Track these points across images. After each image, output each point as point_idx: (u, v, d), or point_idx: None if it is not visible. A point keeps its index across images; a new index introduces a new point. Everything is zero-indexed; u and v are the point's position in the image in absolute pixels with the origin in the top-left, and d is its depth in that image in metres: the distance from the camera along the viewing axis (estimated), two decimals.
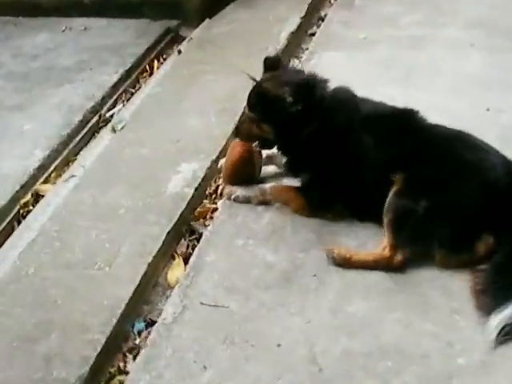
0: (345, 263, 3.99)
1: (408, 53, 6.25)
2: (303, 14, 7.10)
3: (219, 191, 4.92)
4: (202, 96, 5.82)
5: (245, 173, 4.66)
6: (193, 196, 4.77)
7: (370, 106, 4.28)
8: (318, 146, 4.16)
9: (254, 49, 6.30)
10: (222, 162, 4.93)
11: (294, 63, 6.39)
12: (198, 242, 4.41)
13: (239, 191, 4.61)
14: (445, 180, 3.87)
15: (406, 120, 4.20)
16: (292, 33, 6.74)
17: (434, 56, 6.06)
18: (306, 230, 4.31)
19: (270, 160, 4.85)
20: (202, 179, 4.93)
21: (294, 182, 4.49)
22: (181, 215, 4.59)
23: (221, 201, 4.77)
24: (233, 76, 5.69)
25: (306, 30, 7.04)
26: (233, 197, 4.62)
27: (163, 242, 4.35)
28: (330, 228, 4.31)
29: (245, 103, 4.27)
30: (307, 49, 6.71)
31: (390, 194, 3.96)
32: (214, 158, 5.11)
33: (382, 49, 6.35)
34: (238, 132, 4.49)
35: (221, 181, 4.92)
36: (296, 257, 4.10)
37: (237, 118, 5.28)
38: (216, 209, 4.76)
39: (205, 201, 4.91)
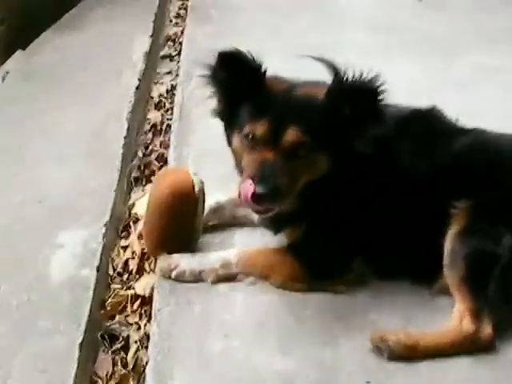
0: (408, 354, 2.57)
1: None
2: (150, 33, 5.54)
3: (132, 267, 3.26)
4: (53, 139, 4.20)
5: (185, 225, 3.03)
6: (97, 281, 3.01)
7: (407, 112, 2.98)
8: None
9: (105, 75, 5.01)
10: (139, 211, 3.35)
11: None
12: (127, 353, 2.85)
13: (183, 263, 2.95)
14: None
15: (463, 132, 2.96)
16: (146, 53, 5.16)
17: None
18: (312, 311, 2.82)
19: (215, 212, 3.22)
20: (102, 253, 3.21)
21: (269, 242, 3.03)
22: (90, 313, 2.86)
23: (147, 282, 3.16)
24: (88, 110, 4.44)
25: (156, 51, 5.46)
26: (174, 273, 2.94)
27: (78, 363, 2.63)
28: (348, 302, 2.86)
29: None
30: (169, 72, 5.25)
31: (452, 235, 2.71)
32: (107, 219, 3.44)
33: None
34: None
35: (137, 249, 3.23)
36: (320, 357, 2.59)
37: (116, 163, 3.88)
38: (138, 296, 3.11)
39: (114, 285, 3.21)
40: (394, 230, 2.82)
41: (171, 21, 6.43)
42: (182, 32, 5.92)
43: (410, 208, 2.78)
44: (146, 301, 3.07)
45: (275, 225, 2.93)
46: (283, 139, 2.61)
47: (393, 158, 2.80)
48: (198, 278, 2.92)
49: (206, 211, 3.14)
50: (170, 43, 5.92)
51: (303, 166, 2.65)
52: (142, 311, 3.04)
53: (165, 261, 2.93)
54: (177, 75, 5.13)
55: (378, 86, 2.60)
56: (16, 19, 5.50)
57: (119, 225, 3.58)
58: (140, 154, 4.22)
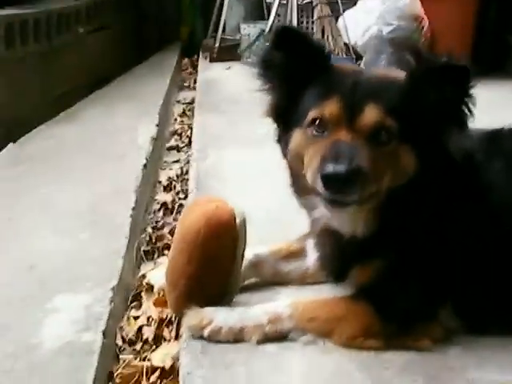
0: None
1: None
2: (156, 122, 5.06)
3: (147, 335, 2.56)
4: (48, 212, 3.59)
5: (221, 268, 2.35)
6: (103, 346, 2.34)
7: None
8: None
9: (107, 158, 4.49)
10: (153, 281, 2.66)
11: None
12: None
13: (219, 318, 2.24)
14: None
15: None
16: (152, 138, 4.63)
17: None
18: (394, 371, 2.10)
19: (254, 267, 2.57)
20: (108, 317, 2.54)
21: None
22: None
23: (167, 352, 2.48)
24: (88, 187, 3.91)
25: (162, 142, 4.98)
26: (208, 330, 2.22)
27: None
28: (438, 359, 2.16)
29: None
30: (177, 161, 4.52)
31: None
32: (115, 283, 2.78)
33: None
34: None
35: (154, 314, 2.42)
36: None
37: (124, 230, 3.30)
38: (156, 369, 2.41)
39: (124, 356, 2.50)
40: (491, 267, 2.17)
41: (176, 119, 6.01)
42: (189, 127, 5.43)
43: (509, 238, 2.12)
44: (166, 374, 2.35)
45: (341, 261, 2.25)
46: (361, 120, 2.03)
47: (486, 174, 2.17)
48: (238, 336, 2.21)
49: (244, 266, 2.46)
50: (176, 137, 5.43)
51: (386, 157, 2.03)
52: None
53: (195, 316, 2.23)
54: (187, 162, 4.59)
55: (468, 68, 2.01)
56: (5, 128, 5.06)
57: (128, 295, 2.87)
58: (150, 229, 3.55)
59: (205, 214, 2.30)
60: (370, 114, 2.02)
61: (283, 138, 2.25)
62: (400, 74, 2.15)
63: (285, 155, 2.26)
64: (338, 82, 2.13)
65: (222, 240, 2.29)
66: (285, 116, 2.23)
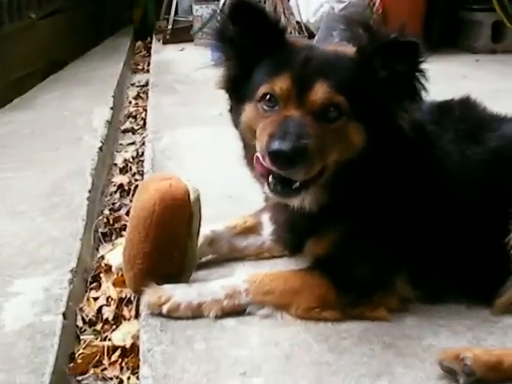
0: (492, 376, 1.93)
1: None
2: (111, 105, 5.11)
3: (107, 315, 2.59)
4: (5, 198, 3.56)
5: (178, 244, 2.37)
6: (63, 327, 2.34)
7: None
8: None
9: (63, 141, 4.46)
10: (112, 262, 2.61)
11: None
12: None
13: (178, 294, 2.27)
14: None
15: None
16: (107, 121, 4.66)
17: None
18: (351, 341, 2.16)
19: (210, 243, 2.61)
20: (68, 299, 2.54)
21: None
22: (55, 365, 2.16)
23: (127, 331, 2.49)
24: (44, 171, 3.88)
25: (117, 125, 5.00)
26: (166, 307, 2.24)
27: None
28: (395, 328, 2.22)
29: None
30: (132, 143, 4.53)
31: None
32: (74, 265, 2.77)
33: None
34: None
35: (114, 294, 2.45)
36: None
37: (81, 213, 3.26)
38: (116, 348, 2.44)
39: (85, 336, 2.51)
40: (445, 236, 2.22)
41: (130, 102, 5.99)
42: (144, 109, 5.42)
43: (463, 207, 2.20)
44: (127, 352, 2.37)
45: (295, 234, 2.29)
46: (310, 96, 2.06)
47: (439, 145, 2.22)
48: (196, 312, 2.25)
49: (200, 243, 2.49)
50: (131, 119, 5.40)
51: (334, 134, 2.07)
52: (123, 364, 2.31)
53: (153, 293, 2.25)
54: (143, 144, 4.59)
55: (417, 42, 2.06)
56: None
57: (87, 276, 2.88)
58: (107, 211, 3.56)
59: (159, 192, 2.32)
60: (319, 91, 2.05)
61: (235, 110, 2.28)
62: (351, 50, 2.18)
63: (236, 126, 2.29)
64: (289, 57, 2.15)
65: (176, 216, 2.32)
66: (237, 88, 2.26)
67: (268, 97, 2.10)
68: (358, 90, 2.11)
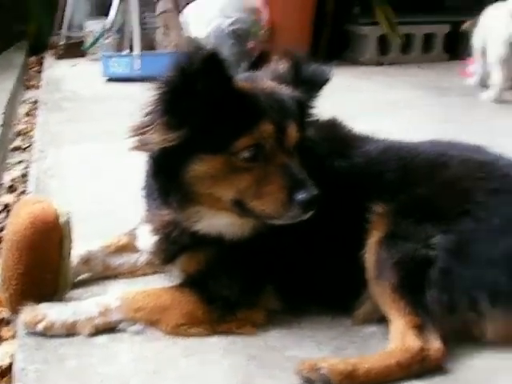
0: (347, 382, 2.06)
1: None
2: (1, 122, 5.13)
3: None
4: None
5: (50, 264, 2.45)
6: None
7: None
8: None
9: None
10: None
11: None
12: None
13: (53, 313, 2.33)
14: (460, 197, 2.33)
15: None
16: None
17: None
18: (218, 354, 2.27)
19: (86, 262, 2.69)
20: None
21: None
22: None
23: (5, 351, 2.53)
24: None
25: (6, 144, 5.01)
26: (42, 326, 2.30)
27: None
28: (261, 341, 2.34)
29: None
30: (21, 161, 4.64)
31: (373, 244, 2.32)
32: None
33: None
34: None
35: None
36: None
37: None
38: None
39: None
40: (308, 252, 2.38)
41: (21, 119, 5.95)
42: (34, 127, 5.42)
43: (324, 223, 2.33)
44: (5, 373, 2.41)
45: (172, 249, 2.43)
46: (288, 139, 2.21)
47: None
48: (71, 330, 2.31)
49: (75, 262, 2.57)
50: (21, 137, 5.38)
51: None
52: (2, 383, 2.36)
53: (29, 312, 2.32)
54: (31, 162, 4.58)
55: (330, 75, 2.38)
56: None
57: None
58: None
59: (30, 215, 2.40)
60: (293, 132, 2.21)
61: (176, 160, 2.19)
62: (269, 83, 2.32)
63: (172, 174, 2.23)
64: (253, 104, 2.17)
65: (47, 239, 2.40)
66: (189, 141, 2.15)
67: (251, 148, 2.14)
68: (302, 123, 2.27)
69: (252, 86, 2.25)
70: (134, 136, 2.18)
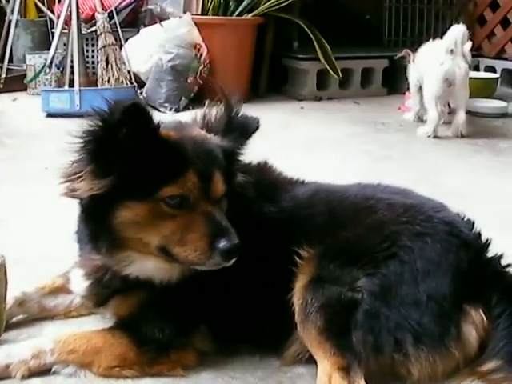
0: None
1: None
2: None
3: None
4: None
5: None
6: None
7: None
8: None
9: None
10: None
11: None
12: None
13: None
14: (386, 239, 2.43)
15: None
16: None
17: None
18: None
19: (21, 304, 2.72)
20: None
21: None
22: None
23: None
24: None
25: None
26: None
27: None
28: (191, 382, 2.39)
29: None
30: None
31: (300, 288, 2.40)
32: None
33: None
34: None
35: None
36: None
37: None
38: None
39: None
40: (239, 293, 2.46)
41: None
42: None
43: (254, 266, 2.44)
44: None
45: (105, 293, 2.49)
46: (213, 189, 2.28)
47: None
48: (4, 373, 2.33)
49: (10, 304, 2.62)
50: None
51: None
52: None
53: None
54: None
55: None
56: None
57: None
58: None
59: None
60: (219, 182, 2.28)
61: (104, 206, 2.24)
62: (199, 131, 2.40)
63: (101, 219, 2.28)
64: (177, 153, 2.23)
65: None
66: (115, 189, 2.20)
67: (176, 197, 2.20)
68: (229, 172, 2.36)
69: (179, 134, 2.31)
70: (63, 182, 2.24)
